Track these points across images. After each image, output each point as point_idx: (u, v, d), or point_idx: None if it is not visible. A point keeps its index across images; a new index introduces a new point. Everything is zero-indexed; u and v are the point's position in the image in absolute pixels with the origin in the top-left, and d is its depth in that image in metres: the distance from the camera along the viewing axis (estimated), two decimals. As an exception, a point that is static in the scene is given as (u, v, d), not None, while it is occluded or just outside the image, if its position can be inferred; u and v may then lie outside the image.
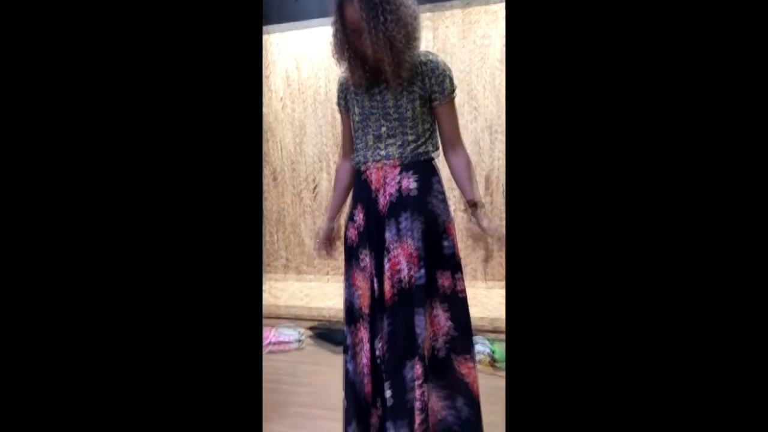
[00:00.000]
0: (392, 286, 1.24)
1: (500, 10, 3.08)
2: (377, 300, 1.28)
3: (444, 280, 1.30)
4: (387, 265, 1.25)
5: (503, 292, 3.09)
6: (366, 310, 1.31)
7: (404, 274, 1.24)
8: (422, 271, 1.24)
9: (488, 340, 2.31)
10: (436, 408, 1.30)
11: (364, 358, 1.32)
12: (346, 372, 1.38)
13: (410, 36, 1.19)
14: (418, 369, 1.22)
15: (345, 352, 1.38)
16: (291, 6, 3.42)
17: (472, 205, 1.30)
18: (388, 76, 1.21)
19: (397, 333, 1.23)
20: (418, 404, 1.21)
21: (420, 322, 1.23)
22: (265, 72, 3.61)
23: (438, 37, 3.21)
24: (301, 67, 3.50)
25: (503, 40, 3.16)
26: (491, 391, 1.87)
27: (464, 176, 1.33)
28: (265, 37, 3.57)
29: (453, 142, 1.34)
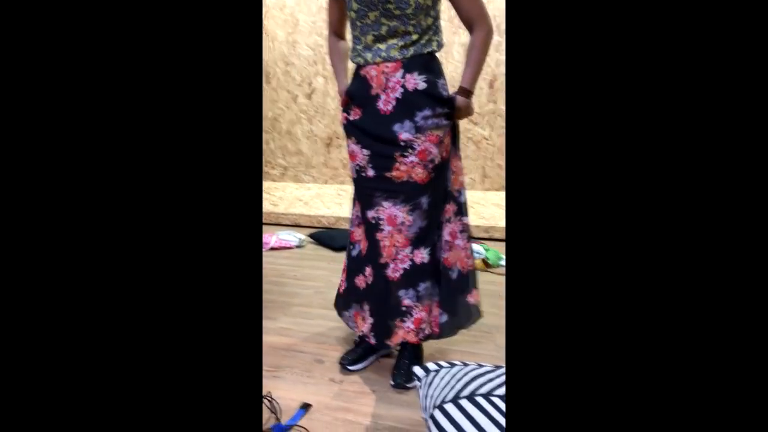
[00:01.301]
0: (425, 170, 1.26)
1: None
2: (382, 183, 1.28)
3: (460, 170, 1.39)
4: (409, 158, 1.23)
5: (500, 198, 3.11)
6: (367, 190, 1.32)
7: (437, 158, 1.27)
8: (452, 155, 1.33)
9: (483, 246, 2.39)
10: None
11: (363, 223, 1.37)
12: (349, 251, 1.45)
13: None
14: (450, 209, 1.36)
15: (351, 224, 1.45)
16: None
17: (461, 93, 1.27)
18: None
19: (431, 209, 1.30)
20: (453, 240, 1.35)
21: (451, 180, 1.35)
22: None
23: None
24: (291, -50, 3.13)
25: None
26: (485, 288, 1.96)
27: (469, 59, 1.25)
28: None
29: (472, 19, 1.22)
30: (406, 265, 1.30)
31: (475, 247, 2.35)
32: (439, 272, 1.36)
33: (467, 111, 1.28)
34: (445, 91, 1.25)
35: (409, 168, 1.25)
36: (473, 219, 2.78)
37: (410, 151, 1.23)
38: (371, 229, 1.32)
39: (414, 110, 1.21)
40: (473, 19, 1.22)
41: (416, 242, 1.29)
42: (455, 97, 1.26)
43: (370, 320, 1.38)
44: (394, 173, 1.26)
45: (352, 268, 1.43)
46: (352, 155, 1.33)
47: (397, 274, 1.31)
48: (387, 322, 1.34)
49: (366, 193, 1.32)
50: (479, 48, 1.23)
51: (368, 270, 1.36)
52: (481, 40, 1.22)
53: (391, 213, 1.29)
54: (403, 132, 1.22)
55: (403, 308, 1.32)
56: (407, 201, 1.27)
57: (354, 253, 1.43)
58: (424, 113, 1.21)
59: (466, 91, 1.25)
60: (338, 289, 1.51)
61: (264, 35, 3.43)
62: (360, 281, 1.40)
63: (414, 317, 1.32)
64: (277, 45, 3.48)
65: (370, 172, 1.29)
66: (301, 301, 1.96)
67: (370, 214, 1.31)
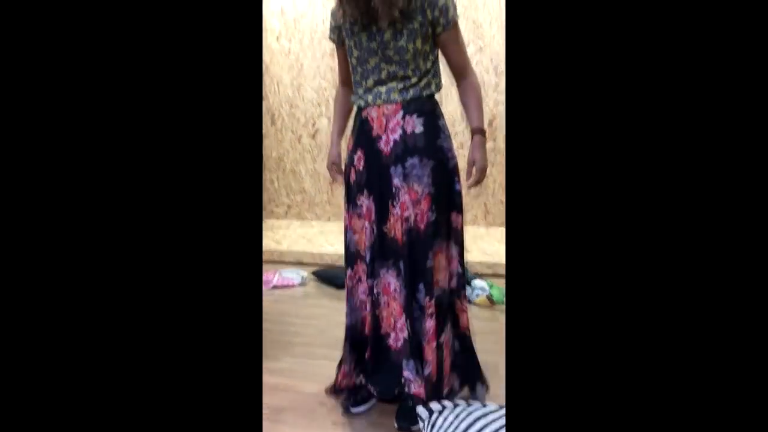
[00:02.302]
0: (403, 229, 1.25)
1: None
2: (376, 243, 1.29)
3: (455, 221, 1.33)
4: (396, 209, 1.24)
5: (501, 235, 3.12)
6: (363, 253, 1.33)
7: (412, 217, 1.24)
8: (435, 213, 1.25)
9: (487, 282, 2.37)
10: (454, 345, 1.36)
11: (362, 295, 1.36)
12: (348, 311, 1.42)
13: None
14: (432, 305, 1.26)
15: (347, 292, 1.41)
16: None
17: (477, 133, 1.29)
18: (379, 10, 1.13)
19: (413, 272, 1.25)
20: (431, 337, 1.26)
21: (431, 261, 1.26)
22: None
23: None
24: (296, 0, 3.30)
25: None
26: (490, 327, 1.94)
27: (471, 103, 1.30)
28: (257, -32, 3.34)
29: (461, 69, 1.30)
30: (405, 334, 1.27)
31: (479, 283, 2.33)
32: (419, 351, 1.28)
33: (484, 158, 1.28)
34: (444, 132, 1.29)
35: (395, 222, 1.26)
36: (476, 255, 2.78)
37: (397, 200, 1.25)
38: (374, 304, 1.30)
39: (406, 156, 1.24)
40: (462, 67, 1.29)
41: (405, 313, 1.25)
42: (448, 149, 1.28)
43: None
44: (388, 226, 1.27)
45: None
46: (358, 220, 1.32)
47: (399, 344, 1.28)
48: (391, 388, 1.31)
49: (365, 265, 1.31)
50: (476, 91, 1.30)
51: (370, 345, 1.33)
52: (475, 85, 1.31)
53: (386, 281, 1.28)
54: (396, 177, 1.25)
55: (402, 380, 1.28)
56: (395, 264, 1.27)
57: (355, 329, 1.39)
58: (413, 161, 1.23)
59: (480, 130, 1.29)
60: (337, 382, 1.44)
61: (270, 79, 3.56)
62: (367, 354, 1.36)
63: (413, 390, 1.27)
64: (283, 88, 3.61)
65: (366, 237, 1.29)
66: (303, 341, 1.94)
67: (371, 286, 1.29)
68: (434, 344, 1.27)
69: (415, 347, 1.27)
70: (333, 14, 1.31)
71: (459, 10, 1.26)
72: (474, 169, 1.29)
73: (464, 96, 1.32)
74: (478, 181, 1.30)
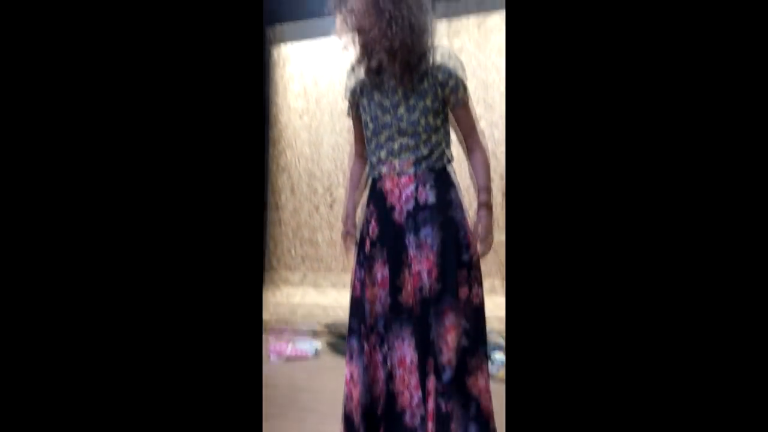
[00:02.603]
0: (416, 299, 1.24)
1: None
2: (391, 312, 1.27)
3: (465, 293, 1.28)
4: (409, 279, 1.24)
5: (523, 306, 3.03)
6: (376, 322, 1.30)
7: (426, 287, 1.23)
8: (443, 284, 1.23)
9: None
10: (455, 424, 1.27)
11: (376, 369, 1.31)
12: (362, 390, 1.36)
13: (420, 31, 1.20)
14: (433, 384, 1.20)
15: (351, 359, 1.35)
16: (307, 22, 3.49)
17: (483, 205, 1.31)
18: (397, 71, 1.21)
19: (423, 344, 1.22)
20: (429, 418, 1.19)
21: (440, 337, 1.22)
22: (283, 85, 3.68)
23: (453, 46, 3.22)
24: (318, 80, 3.56)
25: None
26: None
27: (480, 176, 1.33)
28: (283, 50, 3.65)
29: (471, 143, 1.35)
30: (422, 411, 1.21)
31: (499, 356, 2.24)
32: None
33: (489, 232, 1.28)
34: (455, 203, 1.31)
35: (410, 291, 1.24)
36: (495, 324, 2.69)
37: (411, 269, 1.25)
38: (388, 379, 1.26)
39: (420, 226, 1.26)
40: (472, 140, 1.35)
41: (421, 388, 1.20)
42: (459, 221, 1.29)
43: None
44: (402, 295, 1.25)
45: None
46: (372, 289, 1.31)
47: (416, 422, 1.23)
48: None
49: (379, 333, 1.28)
50: (485, 164, 1.34)
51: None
52: (484, 158, 1.35)
53: (401, 354, 1.25)
54: (410, 247, 1.26)
55: None
56: (412, 334, 1.24)
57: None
58: (426, 231, 1.25)
59: (486, 203, 1.30)
60: None
61: (291, 153, 3.75)
62: None
63: None
64: (303, 161, 3.78)
65: (380, 306, 1.28)
66: (315, 419, 1.85)
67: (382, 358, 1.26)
68: (431, 426, 1.19)
69: None
70: (350, 90, 1.39)
71: (470, 90, 1.34)
72: (479, 242, 1.29)
73: (473, 169, 1.36)
74: (484, 253, 1.30)
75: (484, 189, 1.32)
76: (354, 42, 1.26)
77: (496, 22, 3.11)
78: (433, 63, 1.27)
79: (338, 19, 1.25)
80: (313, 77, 3.58)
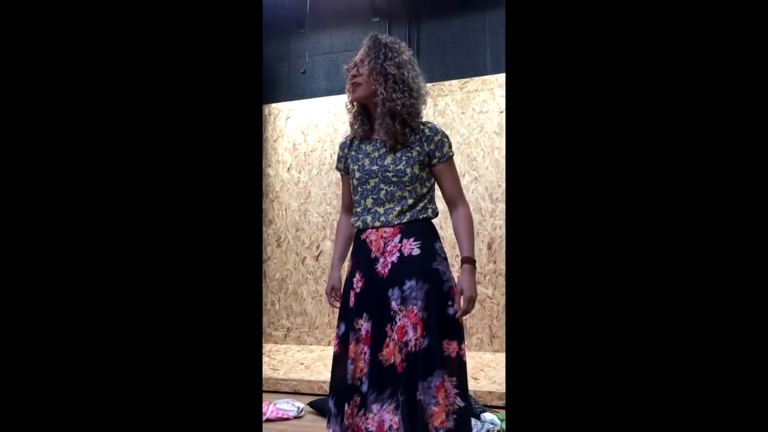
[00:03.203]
0: (400, 354, 1.20)
1: (496, 80, 3.26)
2: (377, 370, 1.22)
3: (450, 349, 1.25)
4: (394, 333, 1.21)
5: (512, 362, 2.95)
6: (358, 382, 1.25)
7: (411, 342, 1.20)
8: (429, 338, 1.21)
9: (498, 416, 2.18)
10: None
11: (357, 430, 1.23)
12: None
13: (418, 94, 1.29)
14: None
15: (329, 422, 1.29)
16: (300, 83, 3.65)
17: (466, 262, 1.31)
18: (396, 129, 1.28)
19: (409, 403, 1.17)
20: None
21: (428, 395, 1.17)
22: (273, 141, 3.77)
23: (438, 106, 3.37)
24: (307, 136, 3.66)
25: (501, 108, 3.31)
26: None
27: (463, 232, 1.35)
28: (275, 107, 3.77)
29: (454, 199, 1.37)
30: None
31: (489, 416, 2.15)
32: None
33: (472, 287, 1.28)
34: (440, 255, 1.32)
35: (392, 348, 1.21)
36: (484, 384, 2.61)
37: (395, 324, 1.22)
38: None
39: (404, 278, 1.25)
40: (455, 197, 1.38)
41: None
42: (443, 272, 1.29)
43: None
44: (384, 352, 1.22)
45: None
46: (356, 345, 1.27)
47: None
48: None
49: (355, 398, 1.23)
50: (468, 221, 1.36)
51: None
52: (466, 214, 1.37)
53: (379, 418, 1.18)
54: (393, 300, 1.24)
55: None
56: (391, 396, 1.19)
57: None
58: (411, 283, 1.24)
59: (470, 259, 1.31)
60: None
61: (278, 205, 3.76)
62: None
63: None
64: (290, 213, 3.79)
65: (364, 363, 1.23)
66: (294, 486, 1.72)
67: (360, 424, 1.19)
68: None
69: None
70: (341, 145, 1.45)
71: (455, 146, 1.40)
72: (462, 299, 1.27)
73: (456, 225, 1.37)
74: (466, 311, 1.28)
75: (467, 246, 1.33)
76: (358, 101, 1.34)
77: (477, 84, 3.29)
78: (419, 122, 1.34)
79: (348, 84, 1.34)
80: (302, 132, 3.68)
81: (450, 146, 1.35)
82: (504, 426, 2.10)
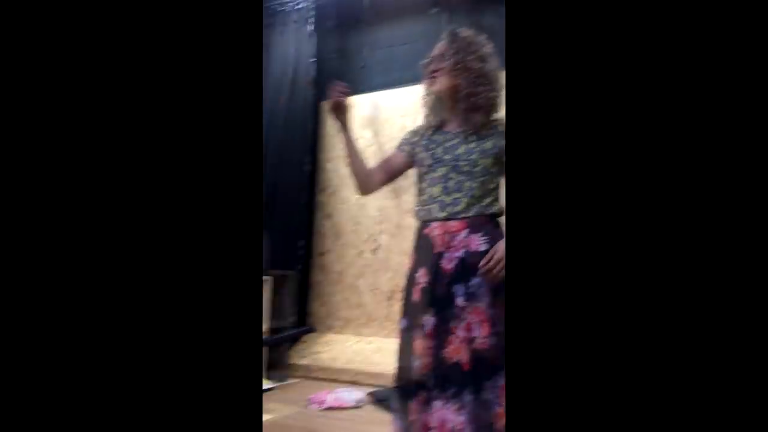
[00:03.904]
0: (467, 352, 1.18)
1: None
2: (441, 367, 1.21)
3: None
4: (460, 331, 1.20)
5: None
6: (424, 378, 1.24)
7: (479, 340, 1.18)
8: (497, 337, 1.18)
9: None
10: None
11: (421, 431, 1.23)
12: None
13: (487, 80, 1.28)
14: None
15: (394, 418, 1.30)
16: (358, 77, 3.68)
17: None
18: (461, 117, 1.28)
19: (476, 403, 1.15)
20: None
21: (493, 394, 1.15)
22: (331, 136, 3.83)
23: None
24: (365, 130, 3.69)
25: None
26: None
27: None
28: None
29: None
30: None
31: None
32: None
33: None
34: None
35: (458, 345, 1.19)
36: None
37: (461, 321, 1.20)
38: None
39: (470, 275, 1.22)
40: None
41: None
42: None
43: None
44: (449, 349, 1.19)
45: None
46: (422, 341, 1.25)
47: None
48: None
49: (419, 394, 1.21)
50: None
51: None
52: None
53: (441, 417, 1.16)
54: (459, 296, 1.22)
55: None
56: (456, 395, 1.16)
57: None
58: (477, 280, 1.21)
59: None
60: None
61: (336, 199, 3.84)
62: None
63: None
64: (347, 207, 3.86)
65: (428, 359, 1.21)
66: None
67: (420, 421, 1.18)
68: None
69: None
70: (411, 131, 1.44)
71: None
72: (494, 257, 1.18)
73: None
74: (490, 270, 1.17)
75: None
76: (437, 95, 1.33)
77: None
78: (497, 115, 1.32)
79: (427, 78, 1.34)
80: (360, 127, 3.72)
81: None
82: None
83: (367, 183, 1.45)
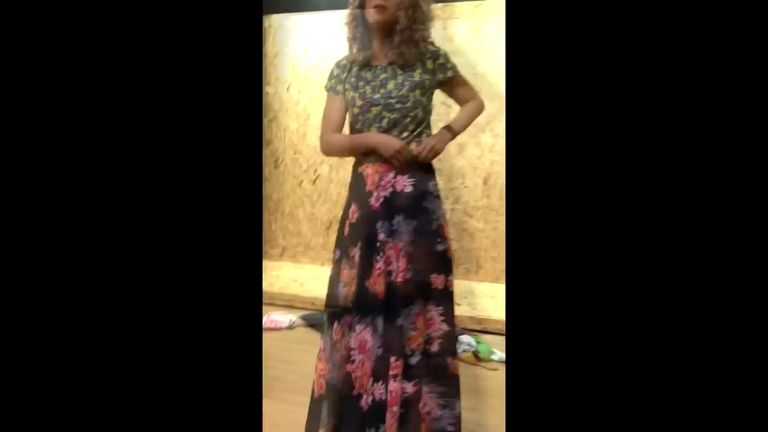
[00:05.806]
0: (384, 284, 1.27)
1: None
2: (362, 295, 1.31)
3: (437, 282, 1.32)
4: (379, 264, 1.28)
5: (494, 290, 3.13)
6: (349, 304, 1.34)
7: (395, 273, 1.27)
8: (413, 271, 1.27)
9: (474, 338, 2.36)
10: (433, 411, 1.32)
11: (343, 350, 1.35)
12: (320, 356, 1.40)
13: (423, 16, 1.28)
14: (398, 366, 1.25)
15: (322, 336, 1.41)
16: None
17: (445, 128, 1.38)
18: (394, 49, 1.27)
19: (388, 329, 1.26)
20: (392, 400, 1.24)
21: (407, 320, 1.26)
22: (272, 57, 3.61)
23: (446, 31, 3.20)
24: (309, 53, 3.50)
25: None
26: (476, 383, 1.91)
27: (464, 112, 1.43)
28: (275, 19, 3.57)
29: (468, 98, 1.44)
30: (369, 400, 1.24)
31: (466, 338, 2.32)
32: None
33: (439, 143, 1.31)
34: (432, 194, 1.35)
35: (377, 276, 1.28)
36: (465, 309, 2.78)
37: (381, 255, 1.28)
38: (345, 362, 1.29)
39: (393, 213, 1.30)
40: (470, 97, 1.44)
41: (375, 373, 1.25)
42: (433, 211, 1.32)
43: None
44: (370, 280, 1.29)
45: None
46: (349, 271, 1.34)
47: (366, 407, 1.25)
48: None
49: (347, 318, 1.32)
50: (477, 107, 1.44)
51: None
52: (477, 104, 1.44)
53: (361, 338, 1.28)
54: (381, 232, 1.29)
55: None
56: (373, 320, 1.27)
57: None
58: (398, 218, 1.29)
59: (451, 129, 1.38)
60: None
61: (277, 126, 3.71)
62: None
63: None
64: (289, 135, 3.75)
65: (357, 285, 1.30)
66: (283, 386, 1.91)
67: (345, 342, 1.30)
68: (394, 408, 1.24)
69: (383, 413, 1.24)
70: (339, 65, 1.40)
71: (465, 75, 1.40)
72: (425, 144, 1.29)
73: (462, 108, 1.44)
74: (416, 155, 1.28)
75: (460, 121, 1.40)
76: (378, 26, 1.29)
77: (491, 8, 3.09)
78: (425, 44, 1.32)
79: (371, 7, 1.26)
80: (303, 49, 3.52)
81: (453, 65, 1.37)
82: (479, 348, 2.28)
83: (341, 152, 1.45)
